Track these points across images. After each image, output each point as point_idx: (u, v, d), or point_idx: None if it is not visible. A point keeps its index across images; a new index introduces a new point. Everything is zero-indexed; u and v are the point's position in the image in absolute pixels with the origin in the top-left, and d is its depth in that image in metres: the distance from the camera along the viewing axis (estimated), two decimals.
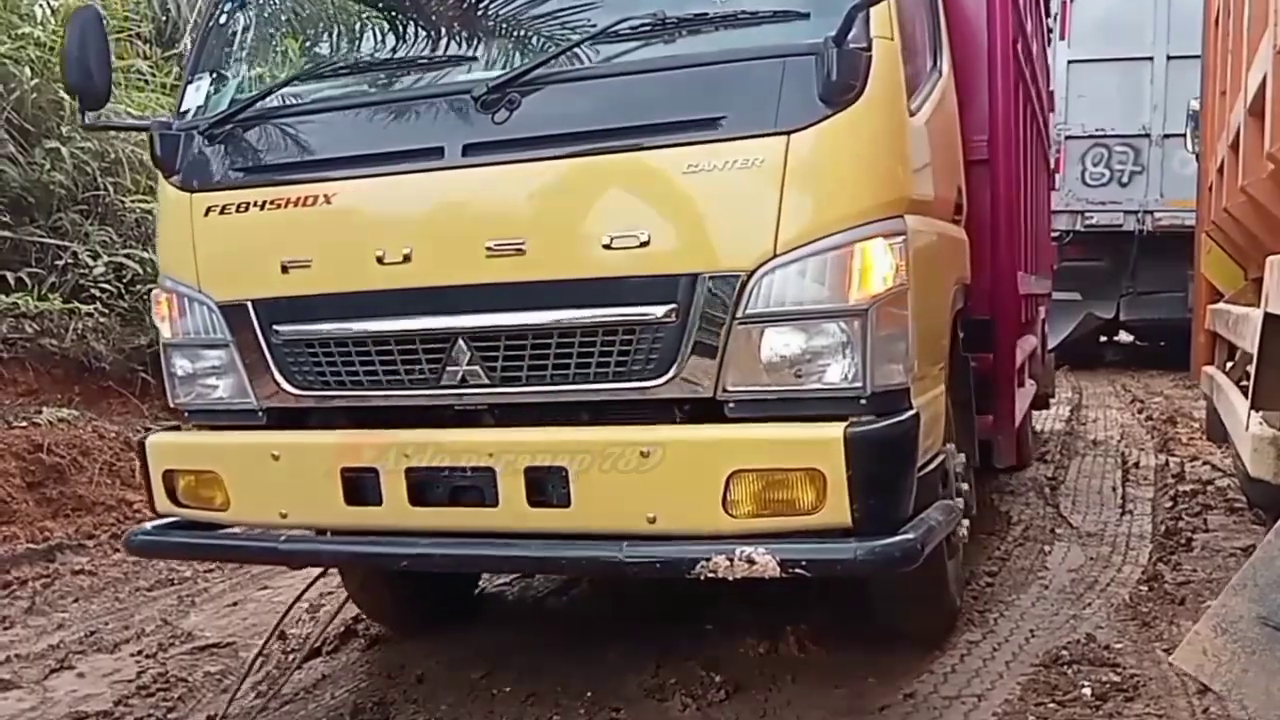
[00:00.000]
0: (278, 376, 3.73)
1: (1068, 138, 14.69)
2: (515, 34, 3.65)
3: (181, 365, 3.93)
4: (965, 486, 4.41)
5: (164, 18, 11.75)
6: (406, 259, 3.47)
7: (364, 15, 4.05)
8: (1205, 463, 8.12)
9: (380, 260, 3.50)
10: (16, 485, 6.92)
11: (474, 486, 3.48)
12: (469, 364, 3.47)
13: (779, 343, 3.27)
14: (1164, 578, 5.16)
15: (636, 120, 3.36)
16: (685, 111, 3.30)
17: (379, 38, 3.94)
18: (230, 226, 3.73)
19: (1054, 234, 11.27)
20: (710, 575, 3.16)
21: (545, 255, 3.37)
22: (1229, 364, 6.73)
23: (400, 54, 3.82)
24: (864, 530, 3.19)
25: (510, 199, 3.43)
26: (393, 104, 3.68)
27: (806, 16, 3.29)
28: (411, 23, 3.83)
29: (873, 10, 3.22)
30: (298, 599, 4.74)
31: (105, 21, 3.84)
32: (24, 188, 8.94)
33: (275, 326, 3.70)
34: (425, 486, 3.54)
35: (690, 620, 4.59)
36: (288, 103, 3.82)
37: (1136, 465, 8.32)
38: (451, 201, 3.52)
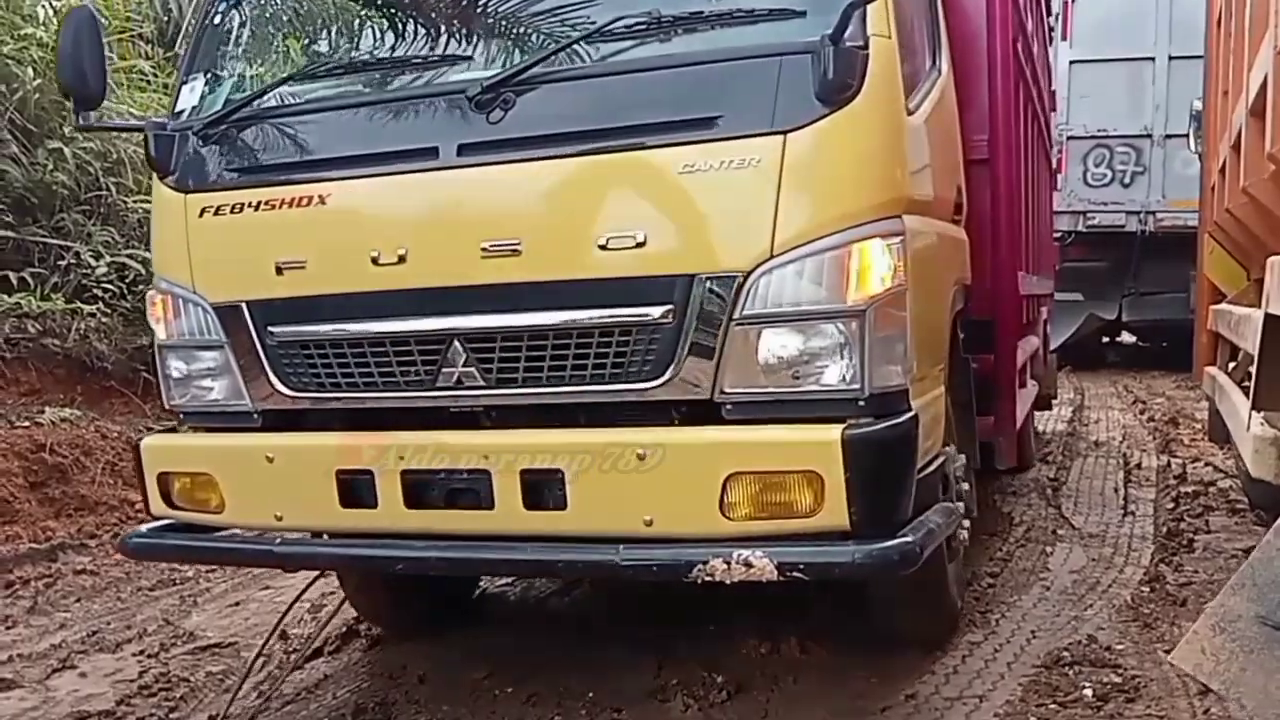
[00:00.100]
0: (273, 378, 3.72)
1: (1070, 138, 14.69)
2: (510, 33, 3.64)
3: (176, 367, 3.91)
4: (966, 488, 4.39)
5: (166, 18, 11.75)
6: (401, 260, 3.46)
7: (358, 15, 4.04)
8: (1207, 464, 8.11)
9: (375, 261, 3.49)
10: (19, 485, 6.93)
11: (470, 489, 3.47)
12: (464, 365, 3.46)
13: (776, 344, 3.25)
14: (1166, 579, 5.15)
15: (632, 120, 3.35)
16: (681, 111, 3.28)
17: (373, 37, 3.93)
18: (225, 227, 3.72)
19: (1056, 234, 11.25)
20: (707, 579, 3.15)
21: (541, 256, 3.35)
22: (1231, 365, 6.72)
23: (395, 53, 3.81)
24: (862, 533, 3.17)
25: (505, 199, 3.42)
26: (387, 104, 3.66)
27: (803, 15, 3.27)
28: (406, 22, 3.81)
29: (869, 8, 3.19)
30: (297, 599, 4.74)
31: (100, 21, 3.82)
32: (27, 188, 8.95)
33: (270, 328, 3.69)
34: (421, 489, 3.52)
35: (692, 621, 4.57)
36: (282, 103, 3.81)
37: (1138, 466, 8.31)
38: (446, 202, 3.50)
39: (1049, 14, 9.65)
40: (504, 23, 3.67)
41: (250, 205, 3.67)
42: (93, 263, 8.92)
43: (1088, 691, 3.84)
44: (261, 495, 3.74)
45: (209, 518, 3.87)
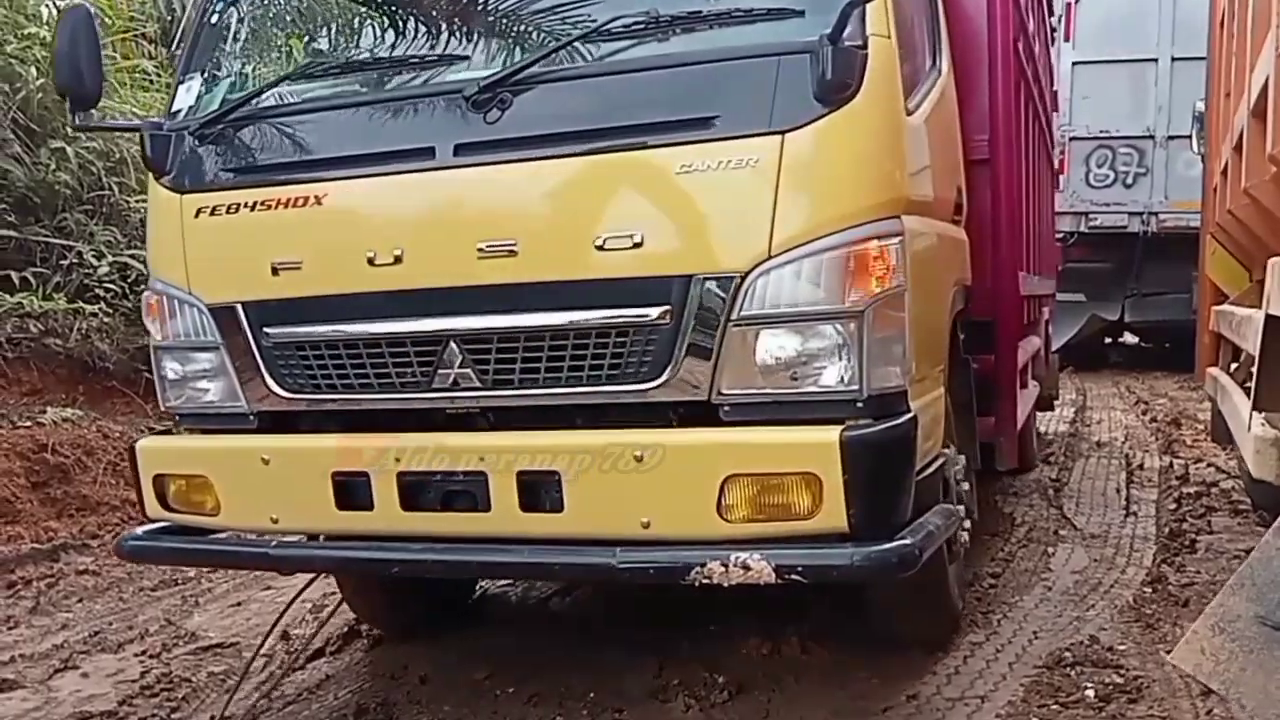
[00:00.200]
0: (268, 379, 3.71)
1: (1072, 139, 14.68)
2: (507, 32, 3.62)
3: (172, 368, 3.90)
4: (966, 489, 4.38)
5: (169, 18, 11.77)
6: (398, 260, 3.45)
7: (355, 14, 4.02)
8: (1210, 465, 8.09)
9: (371, 262, 3.47)
10: (21, 485, 6.95)
11: (466, 491, 3.45)
12: (461, 367, 3.45)
13: (774, 345, 3.24)
14: (1168, 579, 5.14)
15: (630, 120, 3.33)
16: (679, 111, 3.26)
17: (370, 37, 3.92)
18: (220, 228, 3.71)
19: (1058, 235, 11.24)
20: (705, 581, 3.13)
21: (537, 256, 3.34)
22: (1233, 365, 6.69)
23: (391, 53, 3.79)
24: (861, 535, 3.16)
25: (502, 199, 3.41)
26: (384, 104, 3.65)
27: (801, 14, 3.26)
28: (402, 21, 3.79)
29: (868, 8, 3.17)
30: (295, 598, 4.72)
31: (97, 21, 3.80)
32: (29, 187, 8.98)
33: (266, 329, 3.68)
34: (417, 491, 3.51)
35: (693, 621, 4.57)
36: (278, 103, 3.80)
37: (1141, 467, 8.29)
38: (443, 202, 3.49)
39: (1050, 14, 9.63)
40: (501, 22, 3.65)
41: (246, 205, 3.66)
42: (95, 262, 8.95)
43: (1090, 692, 3.83)
44: (257, 497, 3.72)
45: (204, 520, 3.85)
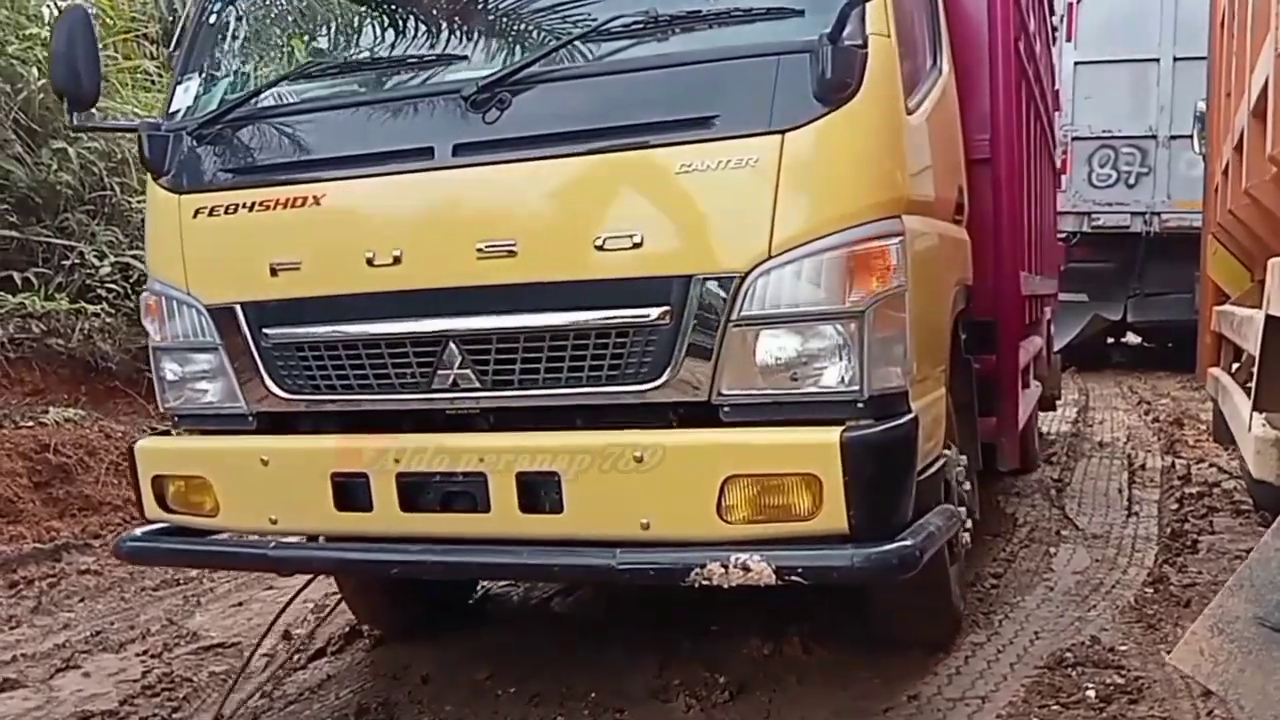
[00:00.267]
0: (267, 380, 3.70)
1: (1074, 139, 14.67)
2: (506, 32, 3.61)
3: (171, 369, 3.89)
4: (968, 490, 4.37)
5: (170, 18, 11.76)
6: (397, 261, 3.44)
7: (353, 14, 4.01)
8: (1212, 465, 8.08)
9: (370, 262, 3.47)
10: (23, 485, 6.97)
11: (465, 492, 3.44)
12: (460, 367, 3.44)
13: (774, 345, 3.23)
14: (1169, 580, 5.13)
15: (629, 120, 3.32)
16: (678, 110, 3.25)
17: (369, 37, 3.90)
18: (219, 228, 3.70)
19: (1061, 235, 11.23)
20: (705, 583, 3.13)
21: (536, 257, 3.33)
22: (1235, 366, 6.69)
23: (390, 53, 3.78)
24: (862, 536, 3.15)
25: (501, 200, 3.39)
26: (382, 104, 3.64)
27: (801, 14, 3.25)
28: (401, 21, 3.78)
29: (868, 7, 3.16)
30: (294, 597, 4.73)
31: (94, 21, 3.80)
32: (31, 188, 9.00)
33: (264, 329, 3.67)
34: (416, 491, 3.50)
35: (694, 621, 4.56)
36: (276, 103, 3.78)
37: (1143, 467, 8.28)
38: (442, 202, 3.48)
39: (1052, 14, 9.62)
40: (500, 21, 3.64)
41: (244, 206, 3.65)
42: (97, 263, 8.97)
43: (1090, 693, 3.82)
44: (256, 498, 3.72)
45: (203, 521, 3.84)
